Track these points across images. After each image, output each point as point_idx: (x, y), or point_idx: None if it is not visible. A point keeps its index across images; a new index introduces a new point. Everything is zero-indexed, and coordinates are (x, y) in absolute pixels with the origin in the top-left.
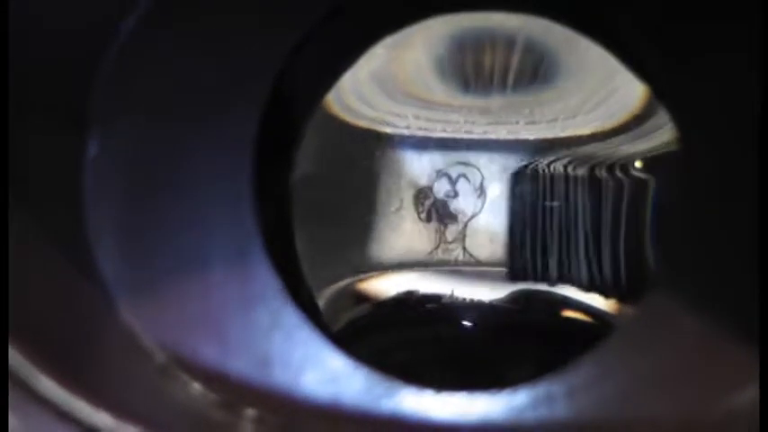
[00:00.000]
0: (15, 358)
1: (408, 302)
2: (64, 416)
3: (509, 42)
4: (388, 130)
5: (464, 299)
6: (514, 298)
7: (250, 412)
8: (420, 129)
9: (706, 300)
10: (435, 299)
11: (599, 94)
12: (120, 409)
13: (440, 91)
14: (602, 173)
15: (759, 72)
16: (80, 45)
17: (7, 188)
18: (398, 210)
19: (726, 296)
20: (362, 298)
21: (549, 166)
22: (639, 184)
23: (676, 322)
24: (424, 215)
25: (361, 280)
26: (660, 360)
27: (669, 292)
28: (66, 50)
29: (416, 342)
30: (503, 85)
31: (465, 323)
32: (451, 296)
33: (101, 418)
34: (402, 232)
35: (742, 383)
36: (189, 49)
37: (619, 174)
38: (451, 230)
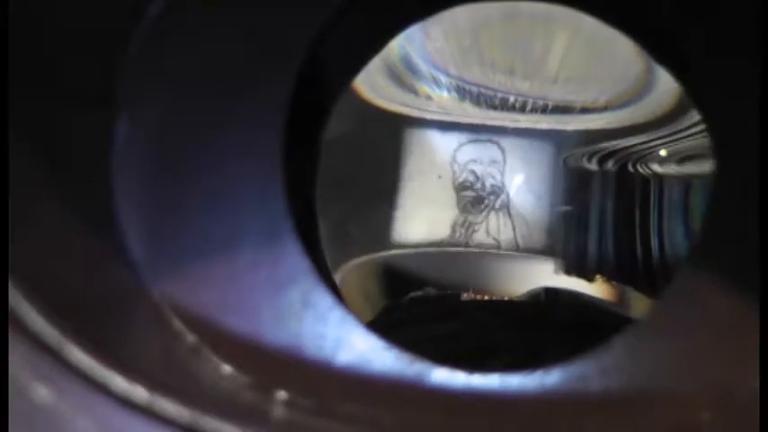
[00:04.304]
0: (45, 329)
1: (428, 294)
2: (97, 387)
3: (540, 32)
4: (417, 112)
5: (486, 288)
6: (538, 289)
7: (281, 394)
8: (448, 112)
9: (736, 279)
10: (456, 288)
11: (630, 89)
12: (154, 386)
13: (468, 76)
14: (631, 167)
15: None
16: (108, 24)
17: (8, 181)
18: (423, 193)
19: (756, 275)
20: (384, 284)
21: (576, 158)
22: (669, 178)
23: (707, 301)
24: (448, 200)
25: (382, 262)
26: (691, 338)
27: (699, 271)
28: (93, 30)
29: (439, 336)
30: (532, 75)
31: (489, 313)
32: (474, 286)
33: (136, 390)
34: (425, 217)
35: None
36: (217, 30)
37: (649, 168)
38: (475, 216)
